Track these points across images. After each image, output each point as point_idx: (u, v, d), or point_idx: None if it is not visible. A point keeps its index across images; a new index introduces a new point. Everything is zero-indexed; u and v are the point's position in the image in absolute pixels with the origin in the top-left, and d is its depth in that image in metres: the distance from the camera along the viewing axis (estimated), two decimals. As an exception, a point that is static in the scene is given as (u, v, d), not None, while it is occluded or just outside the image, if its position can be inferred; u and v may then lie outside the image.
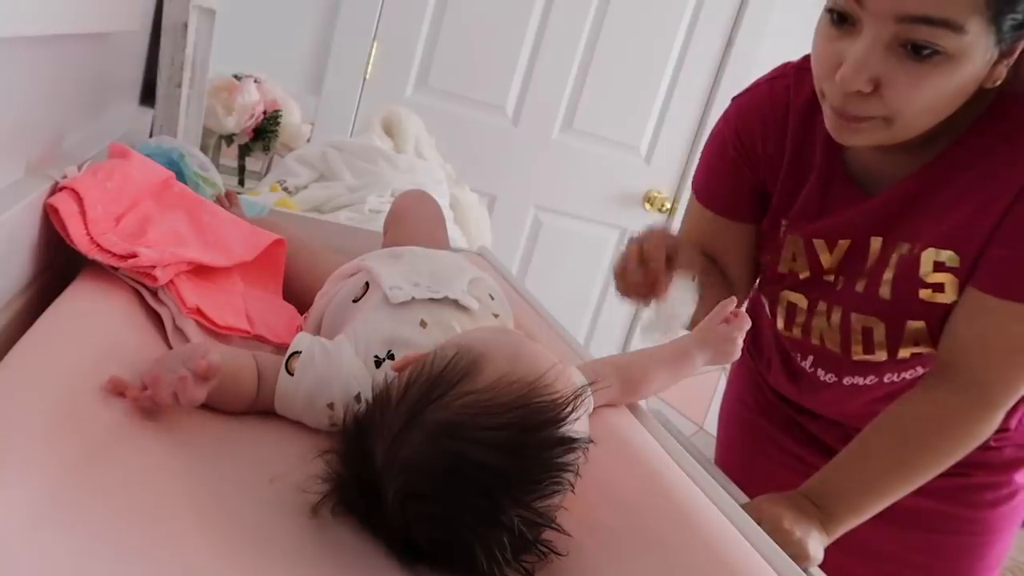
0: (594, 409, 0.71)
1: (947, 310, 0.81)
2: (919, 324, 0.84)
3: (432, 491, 0.52)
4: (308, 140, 1.81)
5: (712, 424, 2.71)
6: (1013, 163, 0.76)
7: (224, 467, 0.57)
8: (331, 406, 0.65)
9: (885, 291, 0.84)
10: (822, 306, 0.90)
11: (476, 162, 2.26)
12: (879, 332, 0.86)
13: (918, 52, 0.67)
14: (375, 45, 2.15)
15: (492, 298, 0.79)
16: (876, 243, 0.84)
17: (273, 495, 0.56)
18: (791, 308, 0.94)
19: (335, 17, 2.10)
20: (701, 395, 2.73)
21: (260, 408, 0.66)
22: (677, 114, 2.39)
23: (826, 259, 0.88)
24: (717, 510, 0.61)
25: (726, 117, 0.94)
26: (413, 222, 1.01)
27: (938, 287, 0.81)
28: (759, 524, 0.64)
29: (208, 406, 0.62)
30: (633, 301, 0.85)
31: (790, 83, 0.88)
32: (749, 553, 0.57)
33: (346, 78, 2.15)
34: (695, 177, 0.99)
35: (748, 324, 0.78)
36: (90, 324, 0.62)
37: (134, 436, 0.54)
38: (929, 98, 0.70)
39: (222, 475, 0.56)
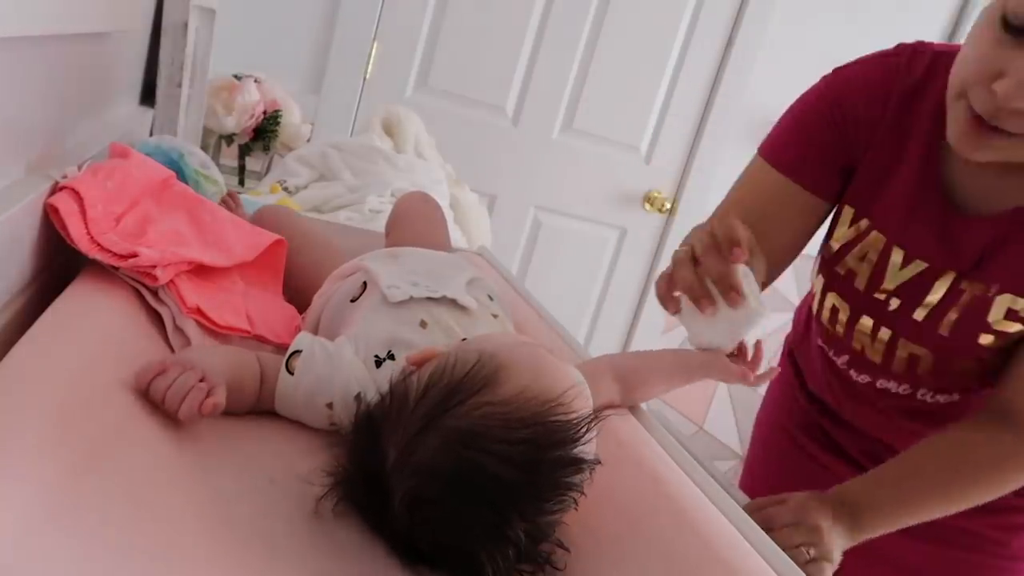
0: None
1: (1002, 351, 0.79)
2: (969, 362, 0.82)
3: (441, 497, 0.52)
4: (308, 140, 1.82)
5: (712, 424, 2.71)
6: None
7: (225, 467, 0.57)
8: (330, 406, 0.65)
9: (945, 328, 0.81)
10: (866, 321, 0.88)
11: (476, 162, 2.25)
12: (925, 362, 0.85)
13: None
14: (375, 45, 2.15)
15: (491, 299, 0.79)
16: (948, 277, 0.80)
17: (273, 495, 0.56)
18: (833, 312, 0.92)
19: (335, 17, 2.10)
20: (701, 395, 2.73)
21: (262, 408, 0.66)
22: (677, 114, 2.39)
23: (892, 276, 0.84)
24: (717, 511, 0.61)
25: (827, 82, 0.87)
26: (415, 224, 1.01)
27: (1002, 335, 0.79)
28: (784, 511, 0.63)
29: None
30: (679, 307, 0.74)
31: (901, 64, 0.82)
32: (749, 554, 0.57)
33: (346, 78, 2.15)
34: (772, 140, 0.90)
35: (763, 369, 0.76)
36: (90, 324, 0.62)
37: (134, 436, 0.54)
38: None
39: (223, 475, 0.56)
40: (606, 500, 0.61)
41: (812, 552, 0.71)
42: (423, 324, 0.70)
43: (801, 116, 0.88)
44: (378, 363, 0.67)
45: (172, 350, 0.70)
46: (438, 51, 2.19)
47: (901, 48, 0.84)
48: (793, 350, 1.10)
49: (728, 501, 0.65)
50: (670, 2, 2.29)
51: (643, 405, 0.80)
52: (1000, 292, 0.78)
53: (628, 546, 0.57)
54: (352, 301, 0.76)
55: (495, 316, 0.77)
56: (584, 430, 0.55)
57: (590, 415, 0.56)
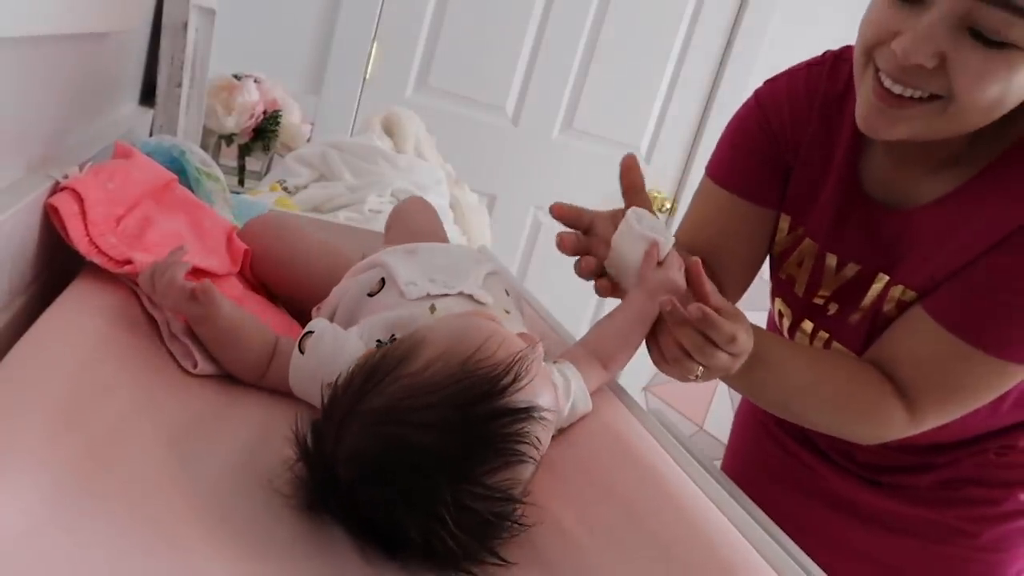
0: (591, 396, 0.72)
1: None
2: None
3: (375, 479, 0.52)
4: (308, 140, 1.82)
5: (712, 425, 2.71)
6: (1016, 201, 0.71)
7: (224, 466, 0.57)
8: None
9: (870, 329, 0.83)
10: (807, 325, 0.90)
11: (476, 162, 2.26)
12: None
13: (985, 40, 0.62)
14: (375, 45, 2.15)
15: (507, 294, 0.79)
16: (882, 280, 0.81)
17: (273, 494, 0.56)
18: (780, 316, 0.94)
19: (335, 17, 2.10)
20: (701, 395, 2.73)
21: (275, 384, 0.68)
22: (677, 114, 2.39)
23: (828, 281, 0.85)
24: (716, 510, 0.61)
25: (757, 96, 0.89)
26: (415, 226, 1.01)
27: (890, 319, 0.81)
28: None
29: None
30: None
31: (824, 71, 0.84)
32: (748, 552, 0.57)
33: (346, 78, 2.15)
34: (713, 158, 0.93)
35: (680, 262, 0.76)
36: (90, 324, 0.62)
37: (134, 436, 0.54)
38: (995, 90, 0.64)
39: (221, 474, 0.56)
40: (606, 498, 0.61)
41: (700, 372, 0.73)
42: (432, 308, 0.70)
43: (736, 133, 0.90)
44: (379, 347, 0.67)
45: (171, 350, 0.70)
46: (438, 51, 2.19)
47: (826, 56, 0.86)
48: None
49: (728, 501, 0.65)
50: (670, 2, 2.29)
51: (643, 405, 0.80)
52: (896, 284, 0.79)
53: (628, 545, 0.57)
54: (370, 295, 0.76)
55: (507, 312, 0.77)
56: (508, 378, 0.52)
57: (513, 361, 0.53)
